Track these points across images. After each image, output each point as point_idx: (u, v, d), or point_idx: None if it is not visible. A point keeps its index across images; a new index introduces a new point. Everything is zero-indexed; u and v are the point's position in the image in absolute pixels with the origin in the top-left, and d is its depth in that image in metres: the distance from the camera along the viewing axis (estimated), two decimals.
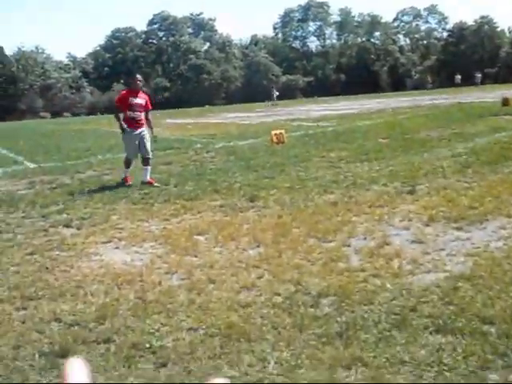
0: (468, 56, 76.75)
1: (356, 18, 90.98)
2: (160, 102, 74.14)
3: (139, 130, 9.01)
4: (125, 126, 8.87)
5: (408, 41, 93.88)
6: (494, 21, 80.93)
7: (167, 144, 14.52)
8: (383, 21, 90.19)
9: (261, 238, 5.40)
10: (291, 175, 8.82)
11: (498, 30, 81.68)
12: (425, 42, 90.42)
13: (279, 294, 4.02)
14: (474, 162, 8.71)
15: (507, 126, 13.44)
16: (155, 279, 4.47)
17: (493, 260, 4.43)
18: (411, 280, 4.15)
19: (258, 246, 5.21)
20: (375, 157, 9.96)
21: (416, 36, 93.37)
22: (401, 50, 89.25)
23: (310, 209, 6.50)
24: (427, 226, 5.58)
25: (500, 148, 10.02)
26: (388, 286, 4.05)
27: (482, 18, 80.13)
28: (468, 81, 58.61)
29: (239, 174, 9.19)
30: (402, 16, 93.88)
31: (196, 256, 5.05)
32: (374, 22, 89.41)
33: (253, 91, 77.21)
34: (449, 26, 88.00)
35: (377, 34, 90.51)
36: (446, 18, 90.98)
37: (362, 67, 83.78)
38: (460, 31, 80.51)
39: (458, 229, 5.39)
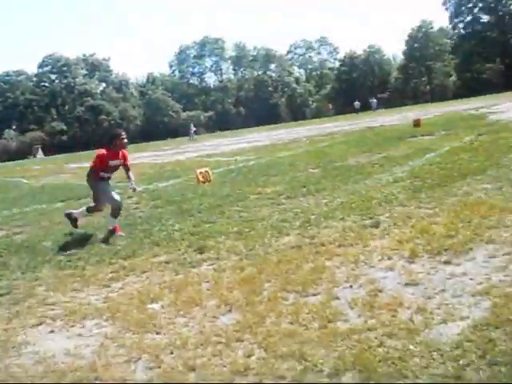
0: (361, 83, 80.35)
1: (251, 53, 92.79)
2: (58, 146, 71.44)
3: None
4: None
5: (303, 72, 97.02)
6: (381, 49, 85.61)
7: (79, 192, 13.16)
8: (278, 54, 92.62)
9: (230, 300, 4.49)
10: (234, 217, 7.89)
11: (385, 57, 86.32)
12: (319, 72, 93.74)
13: (284, 378, 3.16)
14: (422, 186, 8.31)
15: (432, 147, 13.38)
16: (115, 374, 3.43)
17: (507, 297, 3.87)
18: (433, 336, 3.46)
19: (230, 311, 4.30)
20: (315, 189, 9.31)
21: (310, 67, 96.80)
22: (297, 80, 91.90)
23: (272, 256, 5.64)
24: (412, 263, 4.98)
25: (439, 169, 9.76)
26: (411, 347, 3.34)
27: (370, 47, 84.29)
28: (364, 107, 61.15)
29: (175, 221, 8.09)
30: (295, 48, 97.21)
31: (158, 332, 4.04)
32: (268, 55, 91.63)
33: (154, 129, 76.27)
34: (340, 56, 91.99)
35: (272, 66, 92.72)
36: (337, 48, 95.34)
37: (261, 99, 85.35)
38: (351, 60, 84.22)
39: (447, 263, 4.85)
